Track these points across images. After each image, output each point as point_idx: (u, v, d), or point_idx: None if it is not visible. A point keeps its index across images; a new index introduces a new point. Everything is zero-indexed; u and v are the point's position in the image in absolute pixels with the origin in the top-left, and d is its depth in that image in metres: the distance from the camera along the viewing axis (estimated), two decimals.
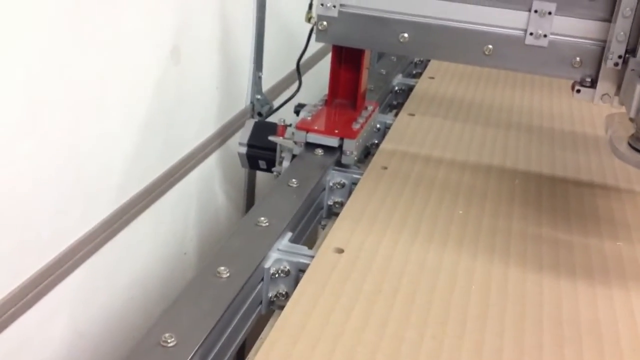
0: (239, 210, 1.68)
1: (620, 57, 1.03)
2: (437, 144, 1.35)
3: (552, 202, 1.16)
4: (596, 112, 1.56)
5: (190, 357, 0.74)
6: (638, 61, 0.99)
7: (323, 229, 1.15)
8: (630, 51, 1.02)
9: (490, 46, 1.15)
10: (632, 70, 0.99)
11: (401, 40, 1.19)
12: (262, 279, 0.94)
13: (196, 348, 0.75)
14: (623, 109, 1.02)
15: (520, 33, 1.13)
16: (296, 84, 1.51)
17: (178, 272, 1.43)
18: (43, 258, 1.02)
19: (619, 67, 1.03)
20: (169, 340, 0.75)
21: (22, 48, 0.91)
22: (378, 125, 1.44)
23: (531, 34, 1.12)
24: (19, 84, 0.91)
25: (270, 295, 0.96)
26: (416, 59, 1.86)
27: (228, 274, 0.88)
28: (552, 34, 1.11)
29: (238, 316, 0.87)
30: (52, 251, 1.04)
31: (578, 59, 1.09)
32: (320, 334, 0.81)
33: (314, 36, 1.26)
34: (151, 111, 1.25)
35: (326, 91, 1.35)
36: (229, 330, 0.84)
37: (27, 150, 0.95)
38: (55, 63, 0.97)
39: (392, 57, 1.78)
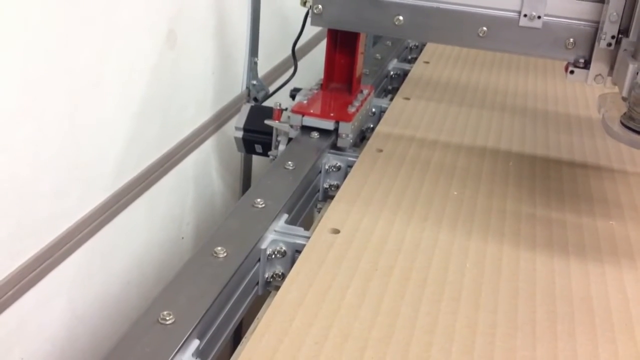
0: (235, 195, 1.69)
1: (613, 37, 1.03)
2: (432, 127, 1.36)
3: (546, 183, 1.17)
4: (590, 94, 1.57)
5: (188, 334, 0.75)
6: (631, 41, 1.00)
7: (319, 211, 1.16)
8: (623, 31, 1.02)
9: (485, 28, 1.15)
10: (625, 50, 1.00)
11: (396, 23, 1.20)
12: (259, 260, 0.95)
13: (194, 326, 0.76)
14: (616, 89, 1.03)
15: (514, 15, 1.13)
16: (291, 71, 1.52)
17: (175, 256, 1.43)
18: (41, 241, 1.02)
19: (612, 47, 1.04)
20: (167, 318, 0.76)
21: (18, 34, 0.91)
22: (373, 109, 1.44)
23: (525, 15, 1.12)
24: (16, 70, 0.92)
25: (267, 276, 0.96)
26: (411, 44, 1.87)
27: (225, 254, 0.89)
28: (545, 15, 1.11)
29: (235, 295, 0.88)
30: (50, 234, 1.04)
31: (571, 40, 1.10)
32: (317, 311, 0.82)
33: (309, 20, 1.26)
34: (147, 96, 1.26)
35: (321, 77, 1.35)
36: (227, 309, 0.85)
37: (25, 135, 0.95)
38: (52, 48, 0.98)
39: (387, 42, 1.79)
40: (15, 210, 0.96)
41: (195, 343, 0.76)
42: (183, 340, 0.74)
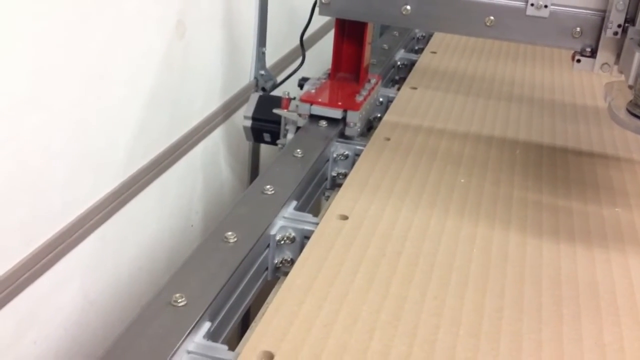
0: (243, 183, 1.71)
1: (619, 26, 1.04)
2: (440, 116, 1.37)
3: (553, 171, 1.18)
4: (596, 83, 1.57)
5: (199, 316, 0.77)
6: (637, 30, 1.00)
7: (327, 200, 1.17)
8: (630, 20, 1.03)
9: (492, 17, 1.16)
10: (631, 38, 1.01)
11: (404, 12, 1.21)
12: (268, 246, 0.96)
13: (205, 308, 0.78)
14: (622, 78, 1.03)
15: (521, 4, 1.14)
16: (299, 61, 1.53)
17: (185, 244, 1.45)
18: (54, 227, 1.04)
19: (619, 36, 1.05)
20: (179, 300, 0.78)
21: (29, 24, 0.92)
22: (381, 99, 1.45)
23: (532, 4, 1.13)
24: (26, 60, 0.93)
25: (276, 261, 0.98)
26: (418, 34, 1.87)
27: (235, 239, 0.90)
28: (552, 4, 1.12)
29: (245, 280, 0.89)
30: (62, 221, 1.06)
31: (578, 29, 1.11)
32: (325, 294, 0.83)
33: (317, 10, 1.27)
34: (156, 85, 1.27)
35: (329, 67, 1.36)
36: (237, 292, 0.87)
37: (36, 124, 0.97)
38: (61, 38, 0.99)
39: (395, 32, 1.79)
40: (27, 197, 0.98)
41: (206, 325, 0.78)
42: (195, 322, 0.76)
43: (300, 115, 1.28)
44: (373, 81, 1.38)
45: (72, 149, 1.06)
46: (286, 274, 0.89)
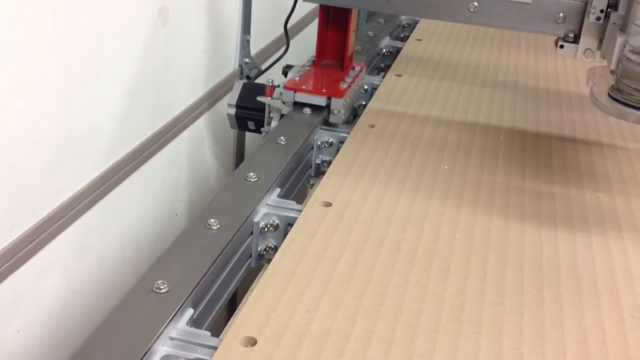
0: (228, 172, 1.70)
1: (602, 11, 1.04)
2: (424, 103, 1.37)
3: (536, 157, 1.18)
4: (580, 70, 1.58)
5: (182, 303, 0.77)
6: (619, 14, 1.01)
7: (311, 187, 1.17)
8: (612, 5, 1.03)
9: (476, 3, 1.16)
10: (614, 23, 1.01)
11: None
12: (252, 233, 0.96)
13: (188, 295, 0.78)
14: (605, 63, 1.04)
15: None
16: (283, 49, 1.52)
17: (169, 232, 1.44)
18: (36, 215, 1.03)
19: (601, 21, 1.05)
20: (161, 287, 0.77)
21: (13, 11, 0.91)
22: (365, 87, 1.45)
23: None
24: (11, 46, 0.92)
25: (259, 248, 0.98)
26: (404, 22, 1.87)
27: (218, 226, 0.90)
28: None
29: (229, 267, 0.89)
30: (45, 209, 1.05)
31: (561, 14, 1.11)
32: (309, 280, 0.83)
33: None
34: (140, 73, 1.26)
35: (313, 54, 1.36)
36: (220, 279, 0.87)
37: (19, 111, 0.96)
38: (45, 25, 0.98)
39: (380, 20, 1.79)
40: (9, 184, 0.97)
41: (189, 312, 0.78)
42: (177, 309, 0.75)
43: (284, 102, 1.27)
44: (357, 68, 1.37)
45: (54, 136, 1.05)
46: (270, 261, 0.89)
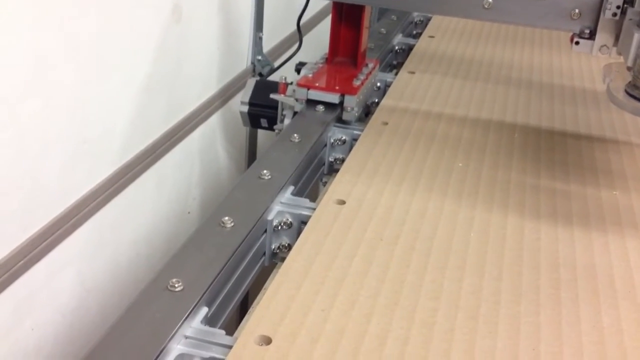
0: (240, 169, 1.70)
1: (618, 7, 1.03)
2: (437, 100, 1.36)
3: (551, 155, 1.17)
4: (595, 67, 1.57)
5: (197, 301, 0.76)
6: (636, 10, 0.99)
7: (324, 185, 1.17)
8: (629, 1, 1.02)
9: (490, 0, 1.15)
10: (630, 19, 1.00)
11: None
12: (265, 231, 0.96)
13: (202, 293, 0.78)
14: (621, 60, 1.03)
15: None
16: (296, 46, 1.52)
17: (182, 230, 1.45)
18: (50, 213, 1.04)
19: (617, 17, 1.04)
20: (176, 285, 0.77)
21: (26, 9, 0.91)
22: (378, 84, 1.44)
23: None
24: (24, 45, 0.92)
25: (273, 247, 0.98)
26: (416, 19, 1.86)
27: (232, 224, 0.90)
28: None
29: (243, 265, 0.89)
30: (59, 207, 1.06)
31: (577, 10, 1.10)
32: (323, 278, 0.83)
33: None
34: (153, 71, 1.26)
35: (326, 52, 1.35)
36: (234, 277, 0.87)
37: (34, 110, 0.96)
38: (59, 23, 0.98)
39: (393, 17, 1.78)
40: (25, 183, 0.98)
41: (204, 310, 0.78)
42: (192, 307, 0.75)
43: (297, 100, 1.27)
44: (371, 65, 1.37)
45: (68, 136, 1.05)
46: (284, 259, 0.89)
